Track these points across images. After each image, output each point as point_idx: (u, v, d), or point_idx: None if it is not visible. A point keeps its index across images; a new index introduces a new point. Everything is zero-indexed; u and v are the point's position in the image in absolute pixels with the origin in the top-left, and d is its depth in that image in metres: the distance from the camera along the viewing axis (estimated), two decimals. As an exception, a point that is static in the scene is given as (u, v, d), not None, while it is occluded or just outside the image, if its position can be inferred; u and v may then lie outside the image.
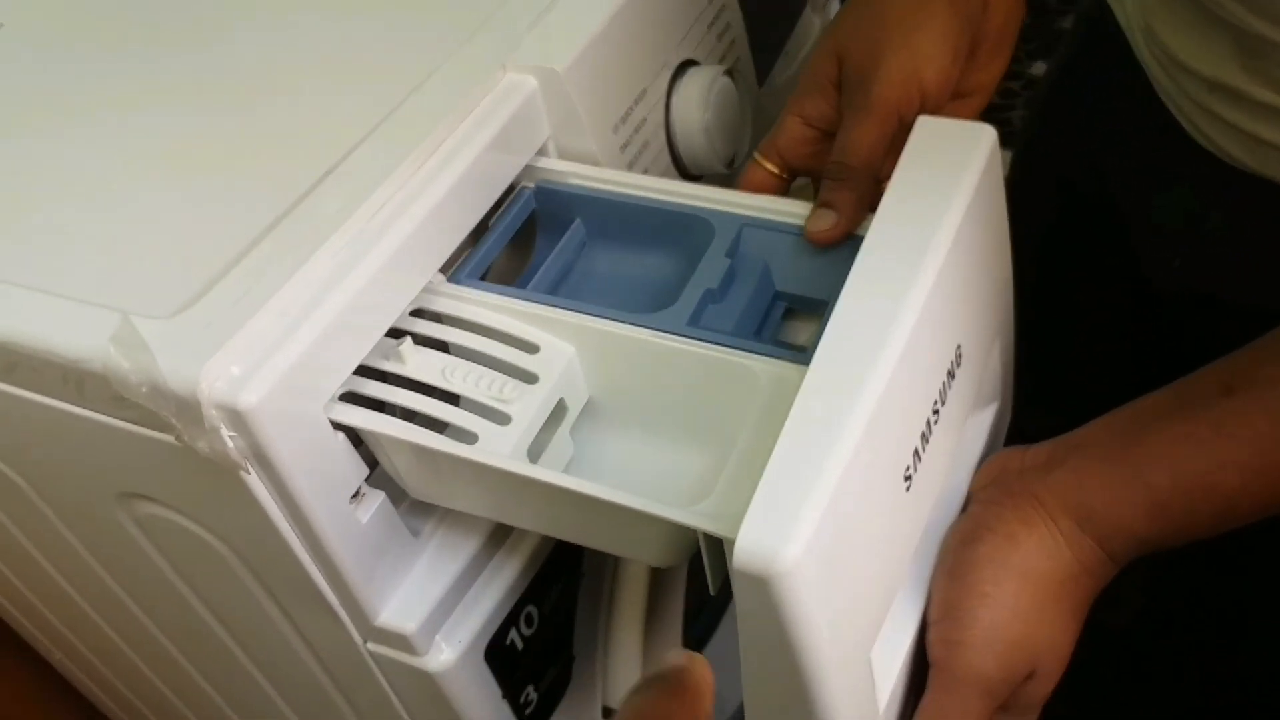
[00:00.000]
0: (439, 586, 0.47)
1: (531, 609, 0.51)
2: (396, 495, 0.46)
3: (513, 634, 0.51)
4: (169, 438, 0.41)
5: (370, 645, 0.49)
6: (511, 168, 0.50)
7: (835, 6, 0.83)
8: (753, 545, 0.35)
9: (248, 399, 0.38)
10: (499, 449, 0.44)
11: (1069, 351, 0.76)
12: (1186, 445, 0.43)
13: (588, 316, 0.46)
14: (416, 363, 0.45)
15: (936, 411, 0.42)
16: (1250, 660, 0.71)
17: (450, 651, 0.48)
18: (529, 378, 0.46)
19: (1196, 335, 0.60)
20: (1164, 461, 0.43)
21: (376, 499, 0.45)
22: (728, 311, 0.46)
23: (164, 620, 0.61)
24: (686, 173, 0.60)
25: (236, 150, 0.50)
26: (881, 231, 0.42)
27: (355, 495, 0.44)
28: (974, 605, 0.44)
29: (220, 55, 0.56)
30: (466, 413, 0.45)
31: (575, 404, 0.47)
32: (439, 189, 0.45)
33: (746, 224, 0.48)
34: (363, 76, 0.52)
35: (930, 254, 0.41)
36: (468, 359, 0.46)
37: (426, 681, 0.48)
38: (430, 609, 0.47)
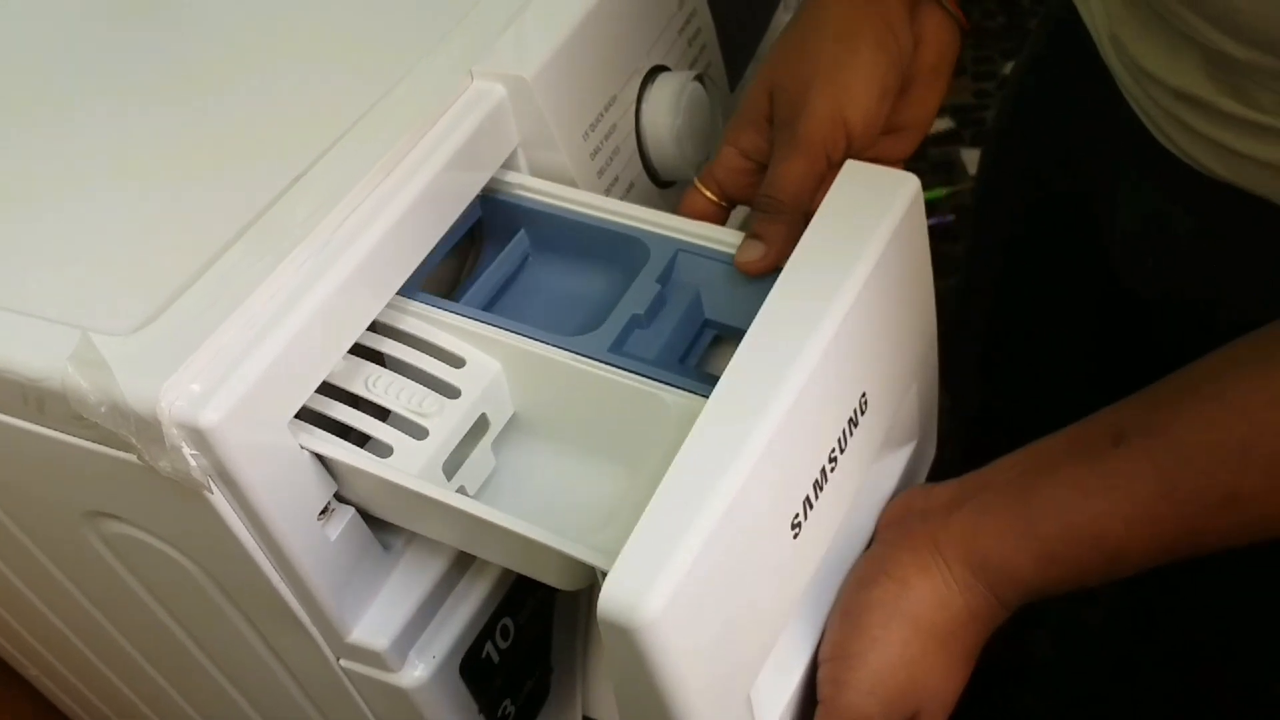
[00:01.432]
0: (412, 601, 0.47)
1: (507, 621, 0.51)
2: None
3: (488, 647, 0.50)
4: (132, 457, 0.40)
5: (343, 662, 0.48)
6: (480, 176, 0.50)
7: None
8: (616, 595, 0.35)
9: (209, 417, 0.37)
10: (412, 463, 0.44)
11: (1038, 349, 0.76)
12: (1075, 495, 0.43)
13: (513, 335, 0.47)
14: (341, 370, 0.45)
15: (834, 459, 0.43)
16: (1228, 655, 0.71)
17: (424, 668, 0.47)
18: (451, 392, 0.46)
19: (1167, 336, 0.60)
20: (1053, 511, 0.44)
21: (346, 515, 0.44)
22: (653, 338, 0.47)
23: (138, 637, 0.60)
24: (658, 179, 0.59)
25: (199, 159, 0.49)
26: (792, 278, 0.43)
27: (324, 512, 0.43)
28: (863, 648, 0.45)
29: (183, 61, 0.55)
30: (386, 426, 0.45)
31: (498, 419, 0.48)
32: (405, 200, 0.45)
33: (682, 249, 0.48)
34: (328, 82, 0.52)
35: (833, 307, 0.41)
36: (398, 369, 0.47)
37: (401, 698, 0.48)
38: (403, 625, 0.46)
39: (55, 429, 0.43)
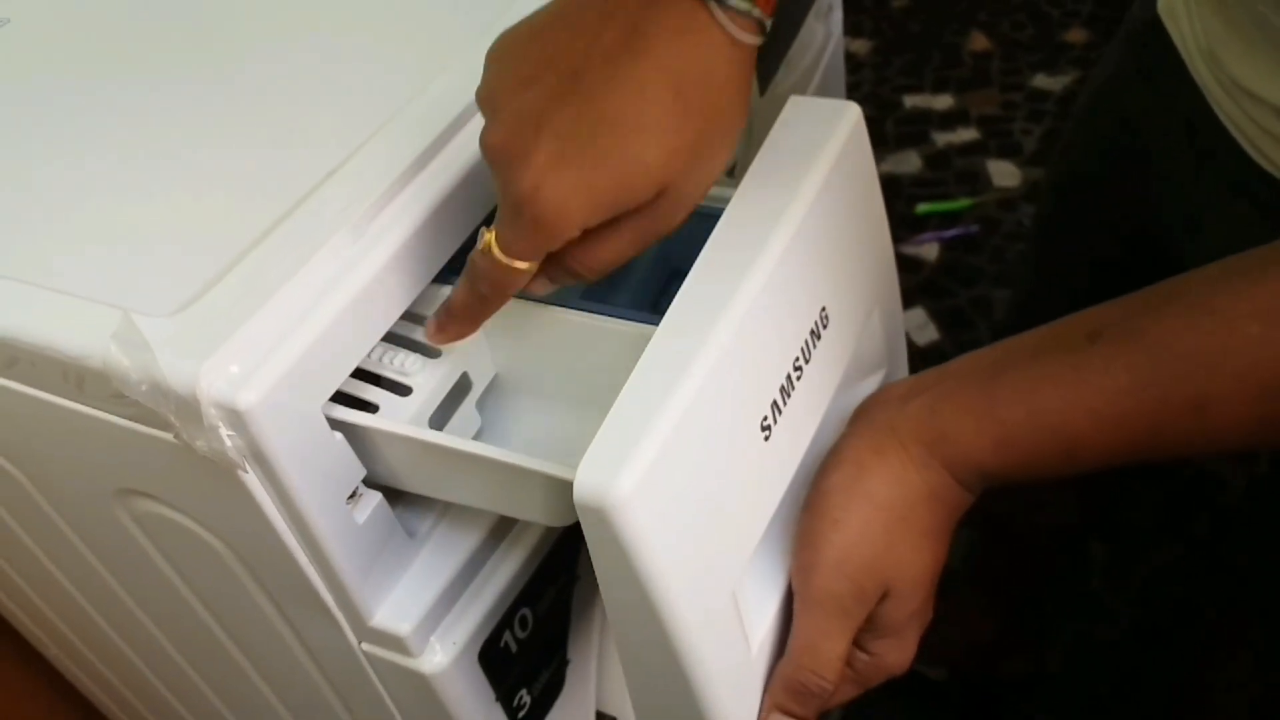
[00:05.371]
0: (434, 588, 0.48)
1: (526, 611, 0.52)
2: (393, 496, 0.47)
3: (507, 636, 0.51)
4: (168, 435, 0.41)
5: (365, 646, 0.49)
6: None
7: (838, 16, 0.83)
8: (589, 480, 0.36)
9: (247, 398, 0.38)
10: (399, 417, 0.45)
11: None
12: (1043, 385, 0.43)
13: None
14: None
15: (799, 368, 0.44)
16: (1237, 670, 0.71)
17: (444, 653, 0.48)
18: (432, 353, 0.47)
19: None
20: (1018, 398, 0.44)
21: (373, 500, 0.45)
22: (624, 286, 0.49)
23: (161, 617, 0.61)
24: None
25: (240, 149, 0.50)
26: (741, 202, 0.44)
27: (352, 495, 0.44)
28: (825, 530, 0.46)
29: (225, 56, 0.56)
30: (374, 387, 0.46)
31: (481, 379, 0.49)
32: (440, 190, 0.45)
33: None
34: (368, 75, 0.52)
35: (784, 219, 0.43)
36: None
37: (420, 683, 0.48)
38: (425, 611, 0.47)
39: (92, 406, 0.44)
